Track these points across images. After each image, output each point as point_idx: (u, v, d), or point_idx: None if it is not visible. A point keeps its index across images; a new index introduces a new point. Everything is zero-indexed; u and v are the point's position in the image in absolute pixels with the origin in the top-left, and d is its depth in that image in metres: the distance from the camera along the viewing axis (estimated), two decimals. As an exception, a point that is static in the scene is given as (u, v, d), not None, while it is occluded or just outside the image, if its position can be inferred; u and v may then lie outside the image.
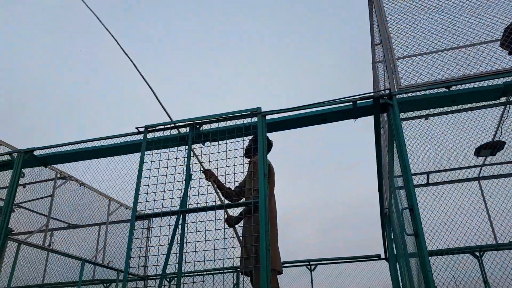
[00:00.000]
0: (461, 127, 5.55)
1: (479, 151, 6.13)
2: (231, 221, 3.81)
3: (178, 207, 3.67)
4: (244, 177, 4.04)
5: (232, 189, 4.13)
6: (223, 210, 3.69)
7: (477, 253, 6.81)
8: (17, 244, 6.68)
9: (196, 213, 3.58)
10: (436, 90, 3.61)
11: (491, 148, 5.99)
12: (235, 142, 3.81)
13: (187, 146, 3.97)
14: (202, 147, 4.08)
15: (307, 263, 7.99)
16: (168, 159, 3.86)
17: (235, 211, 3.88)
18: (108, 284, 8.44)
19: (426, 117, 5.24)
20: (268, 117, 3.94)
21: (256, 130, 3.80)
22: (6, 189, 4.53)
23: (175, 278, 3.50)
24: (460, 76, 3.52)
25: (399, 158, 3.46)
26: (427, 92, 3.62)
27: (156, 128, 4.11)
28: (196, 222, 3.52)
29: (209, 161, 3.82)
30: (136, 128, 4.18)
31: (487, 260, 6.92)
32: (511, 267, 6.08)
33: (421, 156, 5.87)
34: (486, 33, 3.79)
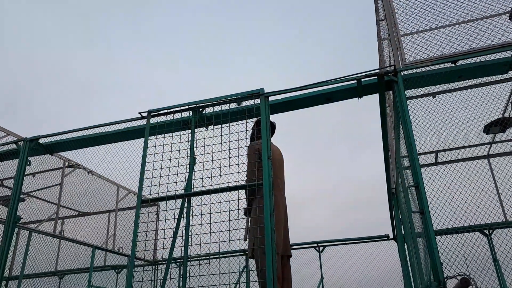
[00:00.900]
0: (470, 104, 5.44)
1: (488, 129, 6.02)
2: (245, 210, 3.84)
3: (183, 190, 3.68)
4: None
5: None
6: (228, 192, 3.68)
7: (486, 231, 6.76)
8: (28, 232, 6.78)
9: (201, 196, 3.58)
10: (442, 66, 3.53)
11: (500, 125, 5.88)
12: (238, 124, 3.78)
13: (190, 130, 3.95)
14: (205, 130, 4.05)
15: (315, 245, 8.01)
16: (172, 143, 3.85)
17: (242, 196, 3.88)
18: (119, 270, 8.57)
19: (433, 94, 5.15)
20: (271, 98, 3.90)
21: (259, 112, 3.77)
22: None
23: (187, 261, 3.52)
24: (466, 50, 3.43)
25: (404, 135, 3.40)
26: (432, 67, 3.53)
27: (159, 112, 4.09)
28: (201, 205, 3.52)
29: (213, 144, 3.80)
30: (139, 113, 4.16)
31: (497, 238, 6.87)
32: (521, 244, 6.04)
33: (429, 135, 5.79)
34: (492, 6, 3.68)
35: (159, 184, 3.66)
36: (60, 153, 6.28)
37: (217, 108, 4.07)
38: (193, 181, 3.75)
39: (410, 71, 3.54)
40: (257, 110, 3.80)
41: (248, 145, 3.99)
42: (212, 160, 3.73)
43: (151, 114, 4.06)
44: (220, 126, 3.91)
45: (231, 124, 3.84)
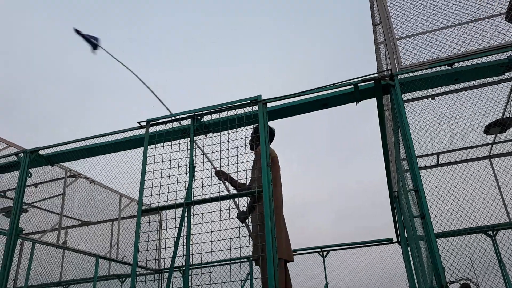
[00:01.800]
0: (469, 105, 5.43)
1: (488, 129, 6.01)
2: (241, 218, 3.83)
3: (183, 199, 3.68)
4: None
5: (246, 184, 4.10)
6: (229, 200, 3.69)
7: (490, 232, 6.73)
8: (31, 243, 6.79)
9: (201, 205, 3.58)
10: (439, 69, 3.54)
11: (500, 125, 5.87)
12: (236, 132, 3.79)
13: (189, 138, 3.96)
14: (204, 139, 4.07)
15: (319, 250, 8.00)
16: (171, 152, 3.87)
17: (243, 203, 3.89)
18: (123, 279, 8.57)
19: (432, 96, 5.15)
20: (269, 105, 3.91)
21: (258, 118, 3.78)
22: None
23: (189, 270, 3.53)
24: (462, 52, 3.44)
25: (402, 139, 3.41)
26: (429, 71, 3.54)
27: (158, 121, 4.11)
28: (202, 213, 3.53)
29: (212, 152, 3.81)
30: (138, 122, 4.18)
31: (501, 238, 6.84)
32: (526, 245, 6.00)
33: (429, 137, 5.78)
34: (487, 8, 3.69)
35: (159, 194, 3.67)
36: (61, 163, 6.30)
37: (215, 116, 4.08)
38: (193, 189, 3.76)
39: (406, 75, 3.55)
40: (255, 117, 3.81)
41: (255, 150, 3.99)
42: (211, 168, 3.74)
43: (150, 123, 4.08)
44: (219, 133, 3.92)
45: (229, 131, 3.85)
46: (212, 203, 3.57)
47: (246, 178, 3.65)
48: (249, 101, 3.85)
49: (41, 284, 7.71)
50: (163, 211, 3.76)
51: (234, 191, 4.06)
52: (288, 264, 3.95)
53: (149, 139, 3.97)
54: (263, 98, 3.84)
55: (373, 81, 3.61)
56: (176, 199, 3.65)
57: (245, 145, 3.96)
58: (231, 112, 4.01)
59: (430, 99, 5.19)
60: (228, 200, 3.65)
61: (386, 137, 4.61)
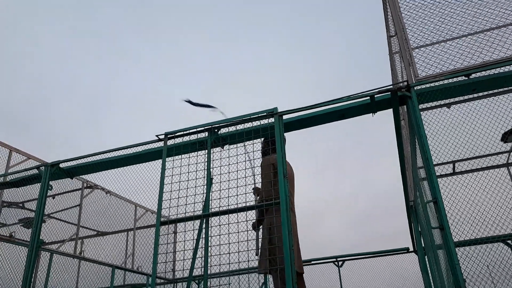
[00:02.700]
0: (486, 113, 5.38)
1: (506, 137, 5.94)
2: (254, 226, 3.88)
3: (201, 211, 3.72)
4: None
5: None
6: (246, 212, 3.71)
7: (510, 242, 6.61)
8: (49, 253, 6.89)
9: (219, 217, 3.61)
10: (455, 79, 3.52)
11: (518, 133, 5.80)
12: (253, 144, 3.82)
13: (206, 151, 4.01)
14: (221, 151, 4.10)
15: (335, 259, 7.94)
16: (189, 164, 3.91)
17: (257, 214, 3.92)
18: (139, 289, 8.61)
19: (448, 105, 5.11)
20: (285, 117, 3.93)
21: (273, 131, 3.81)
22: (36, 201, 4.68)
23: (203, 281, 3.55)
24: (479, 63, 3.43)
25: (420, 150, 3.40)
26: (446, 81, 3.53)
27: (176, 134, 4.16)
28: (220, 225, 3.55)
29: (229, 164, 3.85)
30: (156, 135, 4.24)
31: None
32: (546, 254, 5.88)
33: (445, 145, 5.73)
34: (505, 17, 3.67)
35: (177, 206, 3.71)
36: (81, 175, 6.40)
37: (231, 128, 4.12)
38: (210, 201, 3.79)
39: (423, 86, 3.55)
40: (272, 129, 3.84)
41: (261, 161, 4.03)
42: (228, 180, 3.76)
43: (168, 136, 4.14)
44: (235, 145, 3.95)
45: (246, 143, 3.88)
46: (229, 214, 3.59)
47: (255, 184, 3.68)
48: (265, 114, 3.88)
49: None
50: (180, 223, 3.78)
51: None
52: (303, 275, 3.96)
53: (167, 152, 4.02)
54: (279, 111, 3.87)
55: (389, 93, 3.61)
56: (194, 211, 3.69)
57: (261, 158, 3.99)
58: (247, 124, 4.04)
59: (446, 107, 5.17)
60: (245, 212, 3.67)
61: (402, 147, 4.59)
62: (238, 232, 3.45)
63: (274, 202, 3.49)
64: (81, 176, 6.98)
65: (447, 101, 4.86)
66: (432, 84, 3.53)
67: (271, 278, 3.82)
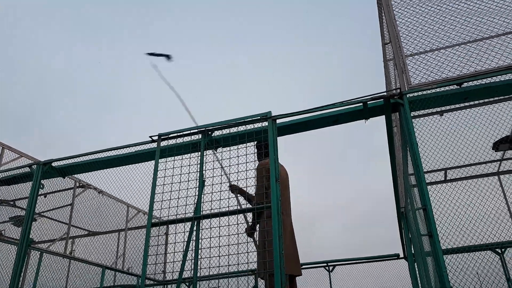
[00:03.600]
0: (478, 122, 5.44)
1: (497, 146, 6.00)
2: (249, 232, 3.87)
3: (192, 213, 3.72)
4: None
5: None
6: (237, 215, 3.72)
7: (499, 250, 6.66)
8: (39, 253, 6.84)
9: (210, 219, 3.61)
10: (447, 88, 3.57)
11: (509, 142, 5.86)
12: (246, 147, 3.84)
13: (199, 153, 4.01)
14: (214, 153, 4.11)
15: (325, 264, 7.96)
16: (181, 166, 3.91)
17: (250, 218, 3.92)
18: (128, 290, 8.56)
19: (441, 113, 5.17)
20: (278, 121, 3.95)
21: (267, 134, 3.82)
22: (27, 199, 4.66)
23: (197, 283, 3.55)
24: (471, 72, 3.47)
25: (411, 158, 3.43)
26: (438, 89, 3.57)
27: (169, 136, 4.16)
28: (210, 228, 3.55)
29: (222, 167, 3.86)
30: (150, 136, 4.24)
31: (510, 257, 6.76)
32: (535, 263, 5.94)
33: (437, 153, 5.78)
34: (497, 27, 3.72)
35: (169, 207, 3.71)
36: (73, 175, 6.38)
37: (225, 131, 4.14)
38: (202, 203, 3.80)
39: (415, 93, 3.59)
40: (265, 133, 3.86)
41: (256, 165, 4.03)
42: (221, 183, 3.77)
43: (161, 137, 4.14)
44: (228, 148, 3.97)
45: (239, 146, 3.89)
46: (221, 217, 3.60)
47: (247, 187, 3.70)
48: (259, 117, 3.90)
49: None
50: (171, 225, 3.78)
51: (245, 205, 4.09)
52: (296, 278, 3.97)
53: (160, 153, 4.02)
54: (273, 115, 3.88)
55: (382, 99, 3.64)
56: (185, 213, 3.69)
57: (255, 161, 4.00)
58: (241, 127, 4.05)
59: (438, 115, 5.22)
60: (236, 215, 3.68)
61: (394, 154, 4.62)
62: (228, 235, 3.46)
63: (265, 206, 3.50)
64: (74, 175, 6.96)
65: (439, 109, 4.92)
66: (424, 92, 3.57)
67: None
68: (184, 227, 3.67)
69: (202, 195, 3.81)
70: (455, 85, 3.54)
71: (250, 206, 4.03)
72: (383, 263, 7.85)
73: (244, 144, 3.88)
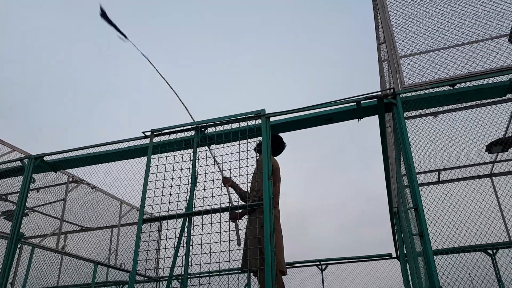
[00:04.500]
0: (471, 124, 5.46)
1: (490, 148, 6.03)
2: (234, 216, 3.82)
3: (184, 210, 3.71)
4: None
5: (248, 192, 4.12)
6: (229, 212, 3.72)
7: (490, 251, 6.71)
8: (31, 247, 6.81)
9: (201, 216, 3.61)
10: (440, 88, 3.58)
11: (502, 144, 5.89)
12: (239, 144, 3.83)
13: (192, 149, 4.01)
14: (208, 149, 4.11)
15: (318, 263, 7.97)
16: (174, 163, 3.91)
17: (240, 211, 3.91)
18: (121, 286, 8.55)
19: (434, 114, 5.18)
20: (272, 119, 3.95)
21: (260, 132, 3.82)
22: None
23: (188, 280, 3.54)
24: (464, 73, 3.49)
25: (404, 158, 3.44)
26: (431, 90, 3.59)
27: (162, 132, 4.15)
28: (202, 224, 3.55)
29: (214, 164, 3.85)
30: (143, 132, 4.23)
31: (502, 257, 6.81)
32: (525, 264, 5.98)
33: (431, 154, 5.80)
34: (491, 30, 3.73)
35: (161, 203, 3.70)
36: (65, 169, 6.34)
37: (219, 128, 4.13)
38: (194, 200, 3.79)
39: (409, 94, 3.60)
40: (258, 130, 3.85)
41: (257, 160, 4.02)
42: (213, 180, 3.77)
43: (154, 133, 4.13)
44: (221, 145, 3.96)
45: (232, 143, 3.89)
46: (213, 214, 3.59)
47: (239, 184, 3.71)
48: (252, 115, 3.90)
49: (38, 289, 7.70)
50: (164, 221, 3.77)
51: (236, 202, 4.08)
52: (284, 277, 3.97)
53: (153, 149, 4.01)
54: (266, 112, 3.88)
55: (375, 99, 3.65)
56: (177, 209, 3.68)
57: (248, 158, 3.99)
58: (235, 125, 4.05)
59: (432, 116, 5.24)
60: (228, 212, 3.68)
61: (387, 154, 4.64)
62: (220, 232, 3.45)
63: (258, 204, 3.50)
64: (67, 170, 6.93)
65: (434, 110, 4.93)
66: (417, 93, 3.58)
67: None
68: (175, 223, 3.66)
69: (195, 192, 3.81)
70: (448, 86, 3.55)
71: (242, 202, 4.03)
72: (375, 263, 7.88)
73: (237, 142, 3.88)
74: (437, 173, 6.83)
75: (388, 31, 3.90)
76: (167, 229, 3.63)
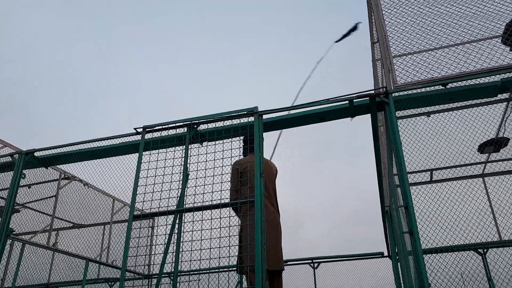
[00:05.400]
0: (464, 124, 5.49)
1: (482, 148, 6.06)
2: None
3: (175, 206, 3.70)
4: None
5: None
6: (219, 209, 3.71)
7: (481, 250, 6.76)
8: (21, 244, 6.76)
9: (192, 213, 3.60)
10: (433, 88, 3.59)
11: (494, 144, 5.93)
12: (231, 141, 3.82)
13: (184, 146, 3.99)
14: (199, 147, 4.09)
15: (310, 261, 8.00)
16: (165, 159, 3.89)
17: (231, 212, 3.91)
18: (112, 283, 8.52)
19: (427, 114, 5.20)
20: (265, 116, 3.95)
21: (253, 129, 3.81)
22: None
23: (178, 277, 3.54)
24: (456, 73, 3.50)
25: (395, 157, 3.45)
26: (424, 89, 3.60)
27: (154, 128, 4.13)
28: (193, 221, 3.54)
29: (206, 161, 3.84)
30: (135, 128, 4.21)
31: (492, 257, 6.87)
32: (515, 264, 6.04)
33: (423, 154, 5.82)
34: (483, 30, 3.75)
35: (152, 200, 3.69)
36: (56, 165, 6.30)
37: (211, 125, 4.12)
38: (185, 197, 3.78)
39: (401, 93, 3.61)
40: (251, 128, 3.85)
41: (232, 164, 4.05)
42: (205, 177, 3.75)
43: (146, 130, 4.11)
44: (214, 142, 3.95)
45: (225, 141, 3.88)
46: (204, 211, 3.59)
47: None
48: (245, 112, 3.89)
49: (29, 285, 7.65)
50: (155, 217, 3.76)
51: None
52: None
53: (145, 146, 3.99)
54: (259, 110, 3.88)
55: (368, 98, 3.65)
56: (168, 206, 3.67)
57: (240, 156, 3.99)
58: (227, 123, 4.04)
59: (425, 116, 5.26)
60: (219, 209, 3.66)
61: (379, 152, 4.65)
62: (211, 229, 3.45)
63: (249, 201, 3.50)
64: (59, 167, 6.89)
65: (426, 110, 4.95)
66: (410, 92, 3.59)
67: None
68: (166, 220, 3.65)
69: (186, 189, 3.79)
70: (440, 86, 3.57)
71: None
72: (367, 261, 7.91)
73: (230, 139, 3.87)
74: (429, 172, 6.86)
75: (382, 31, 3.91)
76: (157, 226, 3.62)
